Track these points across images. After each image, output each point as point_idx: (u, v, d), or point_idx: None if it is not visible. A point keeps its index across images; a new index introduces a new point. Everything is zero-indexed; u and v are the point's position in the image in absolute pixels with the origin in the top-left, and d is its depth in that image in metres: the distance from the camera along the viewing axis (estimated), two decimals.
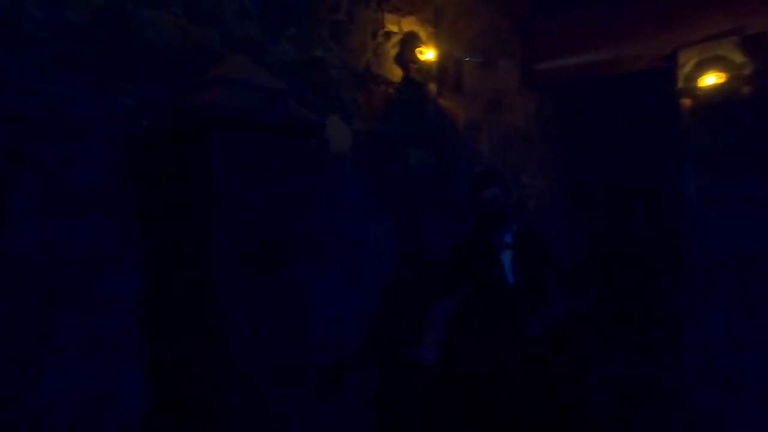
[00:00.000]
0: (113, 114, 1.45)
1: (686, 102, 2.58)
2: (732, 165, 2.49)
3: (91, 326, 1.38)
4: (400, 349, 2.31)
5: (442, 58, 2.59)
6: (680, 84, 2.57)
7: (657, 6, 2.60)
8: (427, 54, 2.42)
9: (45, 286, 1.31)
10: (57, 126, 1.34)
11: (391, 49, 2.38)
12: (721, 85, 2.43)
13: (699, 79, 2.48)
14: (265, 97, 1.35)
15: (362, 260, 2.20)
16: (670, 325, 2.73)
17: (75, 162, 1.37)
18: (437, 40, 2.57)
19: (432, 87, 2.59)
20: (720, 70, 2.42)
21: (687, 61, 2.55)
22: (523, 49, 3.20)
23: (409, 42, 2.41)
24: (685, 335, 2.63)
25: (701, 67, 2.48)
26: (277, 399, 1.39)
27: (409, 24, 2.46)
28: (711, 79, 2.44)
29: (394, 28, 2.39)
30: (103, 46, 1.43)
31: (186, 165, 1.34)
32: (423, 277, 2.45)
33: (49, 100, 1.33)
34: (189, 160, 1.32)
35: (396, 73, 2.39)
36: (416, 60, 2.40)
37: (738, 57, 2.41)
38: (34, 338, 1.28)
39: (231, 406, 1.27)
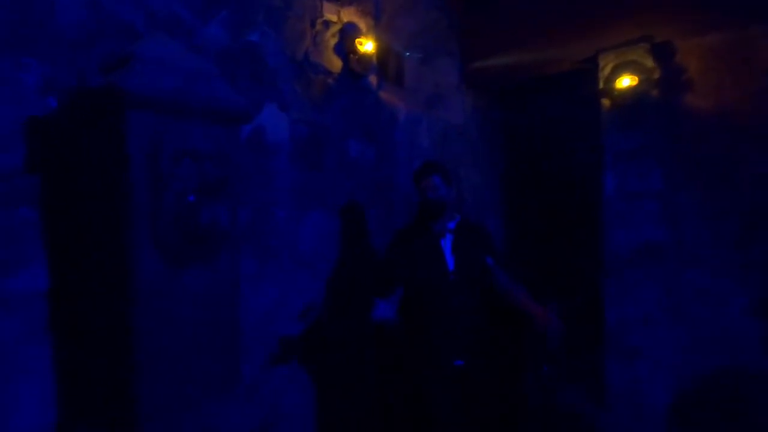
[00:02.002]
0: (14, 92, 1.30)
1: (606, 102, 2.80)
2: (642, 161, 2.74)
3: None
4: (340, 343, 2.30)
5: (383, 52, 2.60)
6: (600, 85, 2.78)
7: (580, 12, 2.79)
8: (367, 45, 2.41)
9: None
10: None
11: (331, 39, 2.34)
12: (634, 87, 2.66)
13: (616, 81, 2.69)
14: (189, 79, 1.27)
15: (300, 252, 2.16)
16: (592, 311, 2.96)
17: None
18: (377, 32, 2.57)
19: (372, 79, 2.59)
20: (633, 74, 2.65)
21: (606, 64, 2.77)
22: (462, 48, 3.30)
23: (349, 33, 2.39)
24: (605, 317, 2.86)
25: (618, 70, 2.70)
26: (204, 405, 1.32)
27: (348, 14, 2.44)
28: (626, 81, 2.66)
29: (333, 18, 2.35)
30: (3, 16, 1.27)
31: (98, 149, 1.22)
32: (364, 268, 2.45)
33: None
34: (102, 143, 1.21)
35: (335, 64, 2.36)
36: (356, 51, 2.39)
37: (648, 62, 2.65)
38: None
39: (149, 416, 1.18)
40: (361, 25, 2.48)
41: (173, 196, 1.23)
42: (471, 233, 1.99)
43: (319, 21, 2.29)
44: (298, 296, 2.15)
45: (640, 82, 2.64)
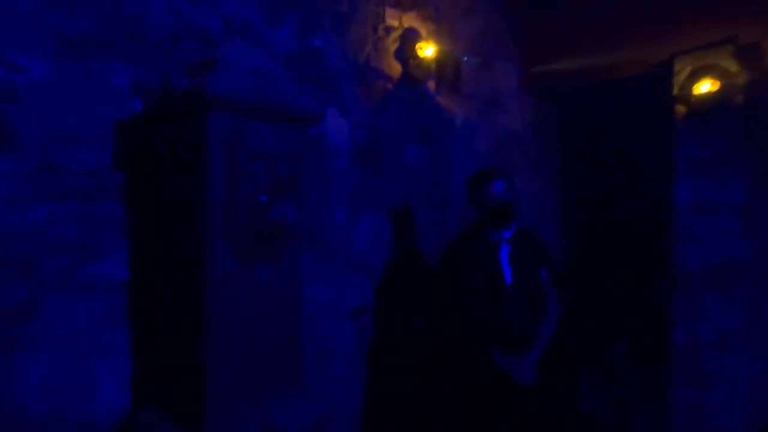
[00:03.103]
0: (103, 94, 1.40)
1: (681, 109, 2.61)
2: (721, 171, 2.53)
3: (74, 314, 1.33)
4: (392, 345, 2.29)
5: (441, 57, 2.58)
6: (675, 91, 2.60)
7: (653, 12, 2.62)
8: (427, 51, 2.40)
9: (28, 272, 1.25)
10: (44, 104, 1.28)
11: (391, 44, 2.36)
12: (715, 93, 2.46)
13: (694, 87, 2.50)
14: (264, 82, 1.32)
15: (355, 252, 2.17)
16: (658, 329, 2.75)
17: (61, 142, 1.31)
18: (437, 37, 2.56)
19: (430, 84, 2.57)
20: (714, 78, 2.45)
21: (682, 69, 2.58)
22: (521, 51, 3.21)
23: (410, 38, 2.39)
24: (673, 339, 2.65)
25: (696, 75, 2.51)
26: (267, 398, 1.34)
27: (409, 20, 2.44)
28: (705, 86, 2.47)
29: (394, 23, 2.37)
30: (95, 24, 1.37)
31: (180, 149, 1.29)
32: (417, 273, 2.43)
33: (37, 77, 1.27)
34: (184, 143, 1.27)
35: (395, 69, 2.37)
36: (415, 56, 2.39)
37: (732, 66, 2.45)
38: (14, 326, 1.22)
39: (216, 403, 1.22)
40: (422, 30, 2.48)
41: (247, 194, 1.27)
42: (528, 243, 1.91)
43: (381, 26, 2.31)
44: (352, 295, 2.16)
45: (722, 87, 2.44)
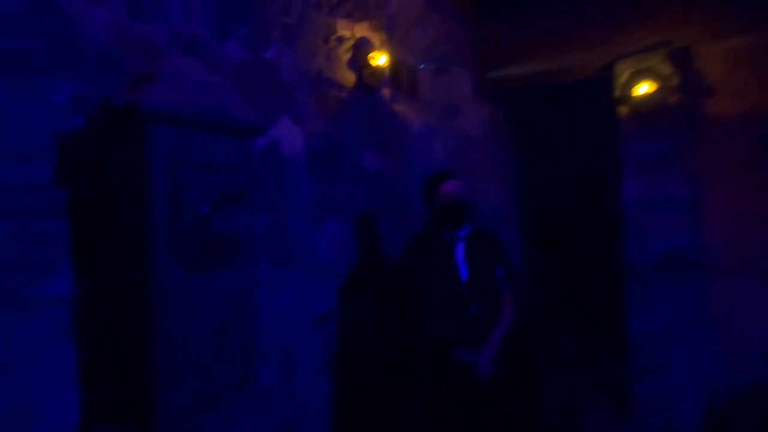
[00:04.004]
0: (45, 111, 1.40)
1: (623, 109, 2.76)
2: (664, 169, 2.68)
3: (17, 334, 1.30)
4: (357, 351, 2.31)
5: (396, 65, 2.65)
6: (617, 93, 2.75)
7: (596, 20, 2.77)
8: (380, 60, 2.47)
9: None
10: None
11: (344, 54, 2.41)
12: (653, 94, 2.62)
13: (634, 89, 2.66)
14: (206, 95, 1.34)
15: (316, 260, 2.20)
16: (612, 320, 2.87)
17: (3, 159, 1.30)
18: (390, 46, 2.63)
19: (386, 92, 2.64)
20: (651, 80, 2.61)
21: (623, 72, 2.74)
22: (476, 58, 3.33)
23: (362, 47, 2.45)
24: (628, 329, 2.77)
25: (635, 78, 2.66)
26: (220, 408, 1.35)
27: (362, 30, 2.50)
28: (644, 88, 2.62)
29: (346, 34, 2.42)
30: (33, 41, 1.37)
31: (121, 163, 1.29)
32: (380, 278, 2.47)
33: None
34: (125, 157, 1.28)
35: (349, 78, 2.42)
36: (369, 65, 2.45)
37: (666, 68, 2.61)
38: None
39: (167, 417, 1.22)
40: (374, 39, 2.54)
41: (191, 207, 1.29)
42: (483, 241, 1.98)
43: (333, 37, 2.36)
44: (315, 303, 2.18)
45: (659, 88, 2.60)
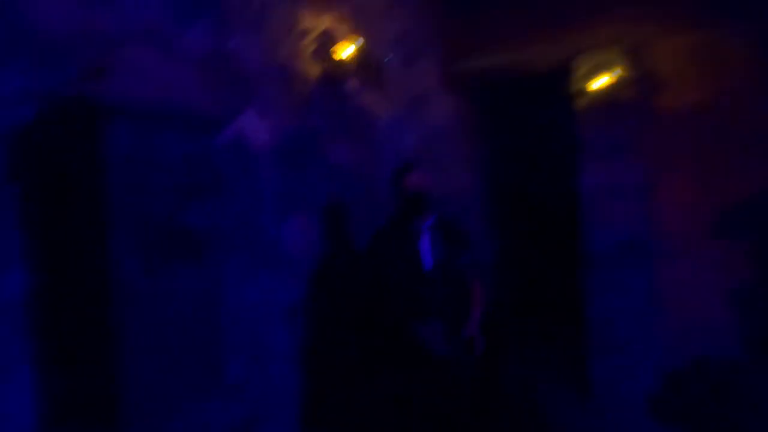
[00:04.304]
0: None
1: (581, 102, 2.87)
2: (619, 158, 2.82)
3: None
4: (325, 344, 2.34)
5: (363, 56, 2.65)
6: (576, 86, 2.86)
7: (555, 15, 2.86)
8: (346, 51, 2.46)
9: None
10: None
11: (310, 45, 2.39)
12: (609, 87, 2.73)
13: (591, 82, 2.77)
14: (166, 87, 1.31)
15: (284, 253, 2.20)
16: (572, 307, 3.02)
17: None
18: (357, 37, 2.62)
19: (352, 84, 2.63)
20: (608, 74, 2.73)
21: (581, 66, 2.84)
22: (442, 50, 3.36)
23: (328, 38, 2.44)
24: (587, 312, 2.92)
25: (593, 72, 2.77)
26: (187, 402, 1.35)
27: (327, 20, 2.48)
28: (600, 81, 2.73)
29: (312, 24, 2.40)
30: None
31: (77, 157, 1.26)
32: (349, 270, 2.49)
33: None
34: (80, 152, 1.24)
35: (315, 69, 2.41)
36: (335, 57, 2.44)
37: (621, 63, 2.73)
38: None
39: (130, 416, 1.22)
40: (341, 30, 2.53)
41: (152, 202, 1.27)
42: (447, 230, 2.04)
43: (298, 28, 2.33)
44: (283, 297, 2.18)
45: (614, 82, 2.72)
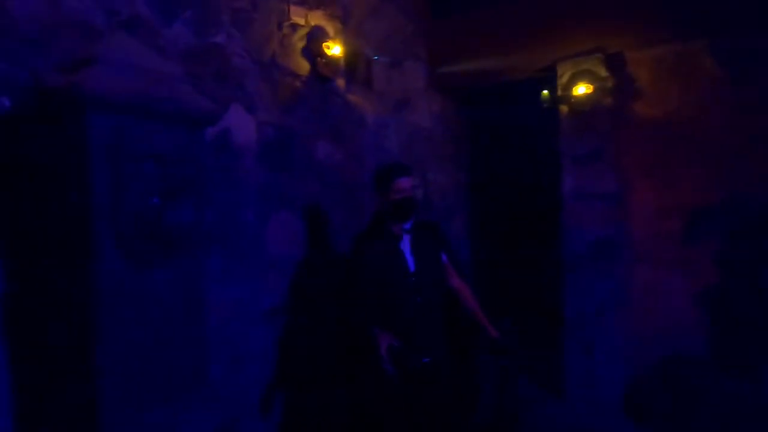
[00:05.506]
0: None
1: (563, 109, 2.95)
2: (596, 165, 2.91)
3: None
4: (306, 343, 2.32)
5: (351, 55, 2.64)
6: (559, 92, 2.93)
7: (539, 23, 2.93)
8: (335, 49, 2.45)
9: None
10: None
11: (298, 42, 2.37)
12: (589, 95, 2.82)
13: (573, 89, 2.84)
14: (152, 81, 1.27)
15: (268, 252, 2.17)
16: (550, 306, 3.10)
17: None
18: (345, 36, 2.61)
19: (340, 82, 2.63)
20: (589, 82, 2.81)
21: (564, 73, 2.91)
22: (428, 53, 3.39)
23: (317, 36, 2.42)
24: (564, 312, 3.01)
25: (575, 79, 2.85)
26: (168, 403, 1.32)
27: (316, 18, 2.47)
28: (582, 89, 2.81)
29: (300, 21, 2.38)
30: None
31: (58, 150, 1.21)
32: (332, 271, 2.48)
33: None
34: (61, 144, 1.19)
35: (303, 66, 2.39)
36: (323, 54, 2.42)
37: (602, 71, 2.82)
38: None
39: (111, 417, 1.18)
40: (329, 28, 2.52)
41: (135, 197, 1.23)
42: (426, 232, 2.04)
43: (287, 24, 2.31)
44: (265, 296, 2.16)
45: (595, 90, 2.80)
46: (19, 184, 1.30)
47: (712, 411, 2.62)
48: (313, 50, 2.40)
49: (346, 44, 2.54)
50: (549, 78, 3.05)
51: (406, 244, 1.97)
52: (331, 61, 2.47)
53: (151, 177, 1.27)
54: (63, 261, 1.23)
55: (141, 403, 1.26)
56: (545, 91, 3.07)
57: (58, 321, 1.26)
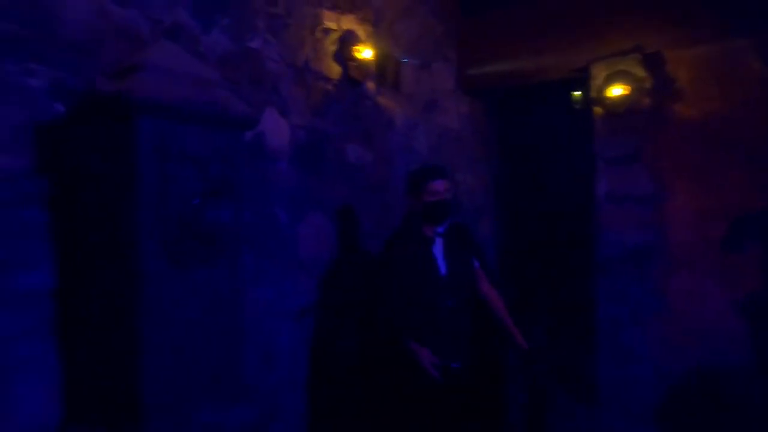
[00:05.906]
0: (21, 97, 1.34)
1: (597, 110, 2.87)
2: (632, 167, 2.82)
3: None
4: (336, 345, 2.34)
5: (381, 58, 2.65)
6: (593, 94, 2.86)
7: (573, 22, 2.87)
8: (365, 53, 2.47)
9: None
10: None
11: (330, 46, 2.40)
12: (626, 96, 2.73)
13: (607, 90, 2.77)
14: (195, 86, 1.32)
15: (298, 254, 2.20)
16: (582, 311, 3.02)
17: None
18: (376, 39, 2.62)
19: (370, 85, 2.64)
20: (625, 83, 2.73)
21: (598, 74, 2.84)
22: (458, 54, 3.37)
23: (348, 40, 2.44)
24: (597, 317, 2.93)
25: (610, 80, 2.77)
26: (205, 402, 1.35)
27: (348, 22, 2.49)
28: (617, 90, 2.73)
29: (333, 26, 2.41)
30: (8, 23, 1.30)
31: (107, 153, 1.26)
32: (361, 272, 2.49)
33: None
34: (110, 147, 1.25)
35: (334, 70, 2.41)
36: (355, 58, 2.44)
37: (640, 72, 2.73)
38: None
39: (151, 414, 1.22)
40: (360, 32, 2.54)
41: (178, 199, 1.27)
42: (458, 235, 2.03)
43: (319, 28, 2.34)
44: (296, 297, 2.19)
45: (632, 91, 2.72)
46: (71, 186, 1.36)
47: (752, 424, 2.49)
48: (344, 54, 2.42)
49: (376, 47, 2.56)
50: (582, 79, 2.99)
51: (438, 248, 1.96)
52: (362, 64, 2.49)
53: (192, 178, 1.31)
54: (109, 259, 1.28)
55: (181, 400, 1.29)
56: (577, 93, 3.00)
57: (104, 317, 1.31)
